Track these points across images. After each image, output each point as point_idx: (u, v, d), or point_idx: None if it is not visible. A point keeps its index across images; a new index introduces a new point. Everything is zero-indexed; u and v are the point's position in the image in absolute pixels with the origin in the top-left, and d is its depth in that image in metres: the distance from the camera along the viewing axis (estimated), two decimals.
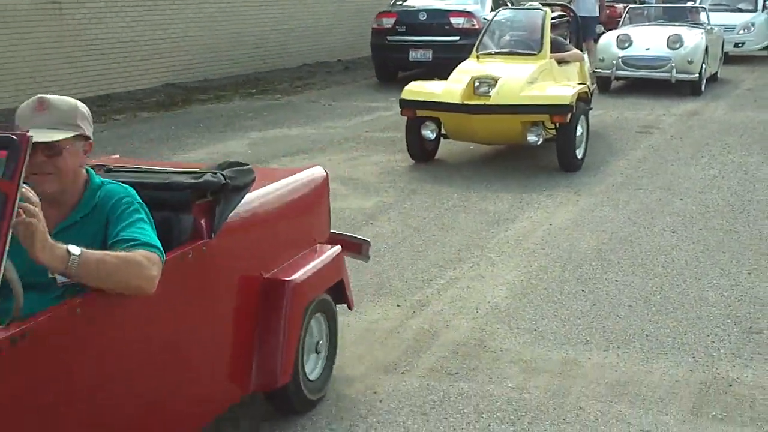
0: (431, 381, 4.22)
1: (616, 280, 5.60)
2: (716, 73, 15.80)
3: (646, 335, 4.75)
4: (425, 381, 4.22)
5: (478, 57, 9.60)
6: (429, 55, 15.02)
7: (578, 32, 12.21)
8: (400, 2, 16.70)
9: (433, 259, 6.02)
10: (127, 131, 11.05)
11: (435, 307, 5.17)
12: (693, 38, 14.31)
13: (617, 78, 14.75)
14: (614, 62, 14.33)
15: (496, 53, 9.57)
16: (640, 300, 5.26)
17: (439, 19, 15.27)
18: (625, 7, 19.74)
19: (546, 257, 6.07)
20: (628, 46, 14.43)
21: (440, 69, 14.71)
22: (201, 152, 9.68)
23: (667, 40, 14.17)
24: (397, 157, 9.28)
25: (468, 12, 15.19)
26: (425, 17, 15.38)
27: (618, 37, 14.69)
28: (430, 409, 3.95)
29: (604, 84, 14.56)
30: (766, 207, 7.32)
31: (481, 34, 10.05)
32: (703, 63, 14.16)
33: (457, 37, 14.81)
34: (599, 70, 14.38)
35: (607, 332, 4.80)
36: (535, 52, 9.31)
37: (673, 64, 13.86)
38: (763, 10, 19.68)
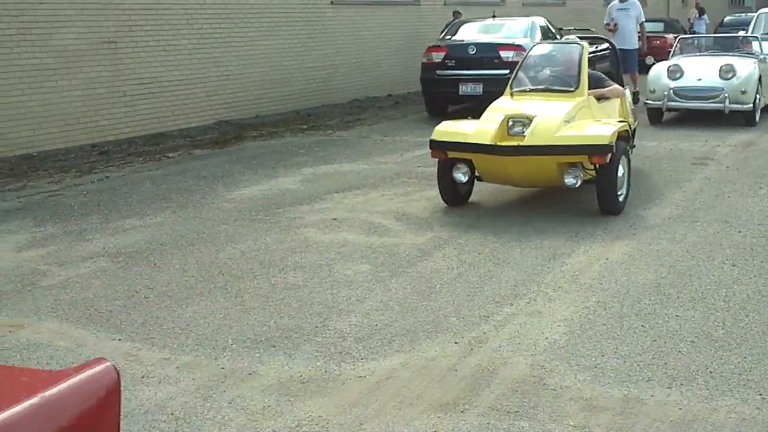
0: (491, 420, 4.17)
1: (677, 315, 5.51)
2: None
3: (710, 372, 4.66)
4: (485, 420, 4.17)
5: (512, 94, 9.07)
6: (479, 89, 15.01)
7: (618, 65, 11.91)
8: (449, 36, 16.76)
9: (490, 295, 5.98)
10: (180, 169, 11.17)
11: (493, 344, 5.12)
12: (746, 68, 13.93)
13: (669, 109, 14.36)
14: (665, 93, 13.96)
15: (531, 90, 9.03)
16: (702, 335, 5.17)
17: (488, 53, 15.28)
18: (676, 38, 19.63)
19: (604, 292, 5.99)
20: (680, 77, 14.08)
21: (491, 103, 14.78)
22: (255, 189, 9.75)
23: (719, 70, 13.78)
24: None
25: (517, 45, 15.19)
26: (475, 51, 15.40)
27: (669, 68, 14.35)
28: None
29: (655, 116, 14.37)
30: None
31: (515, 70, 9.50)
32: (756, 93, 13.79)
33: (507, 71, 14.69)
34: (650, 102, 14.16)
35: (669, 369, 4.71)
36: (572, 89, 8.78)
37: (726, 95, 13.48)
38: None
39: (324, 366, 4.86)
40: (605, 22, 17.20)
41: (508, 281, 6.28)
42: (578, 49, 9.24)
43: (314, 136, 13.99)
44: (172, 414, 4.32)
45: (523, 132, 7.97)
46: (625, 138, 8.59)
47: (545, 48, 10.31)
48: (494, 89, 14.69)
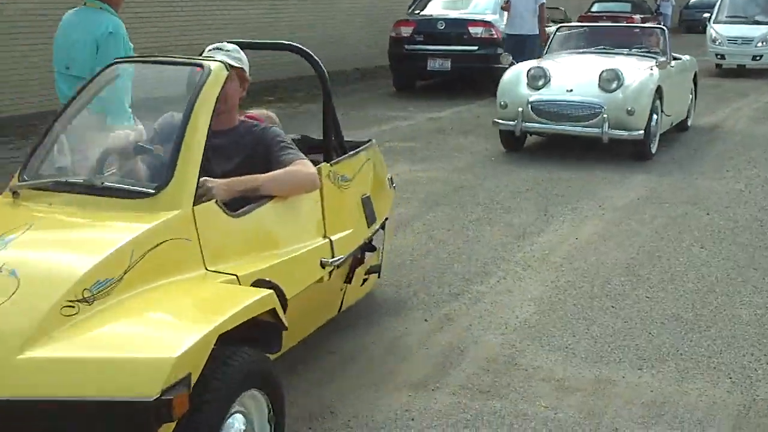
0: (463, 399, 4.12)
1: (647, 297, 5.50)
2: (686, 120, 11.57)
3: (681, 354, 4.65)
4: (456, 399, 4.12)
5: (15, 195, 3.68)
6: (447, 64, 14.96)
7: (330, 107, 4.81)
8: (418, 11, 16.66)
9: (459, 273, 5.92)
10: None
11: (463, 322, 5.08)
12: (637, 74, 9.65)
13: (525, 132, 9.97)
14: (520, 110, 9.59)
15: (55, 188, 3.65)
16: (672, 317, 5.16)
17: (457, 29, 15.20)
18: (643, 18, 19.56)
19: (574, 272, 5.96)
20: (543, 85, 9.71)
21: (458, 79, 14.64)
22: None
23: (599, 77, 9.49)
24: (417, 167, 9.19)
25: (487, 22, 15.12)
26: (444, 26, 15.31)
27: (529, 71, 9.86)
28: (463, 428, 3.86)
29: (510, 140, 10.10)
30: None
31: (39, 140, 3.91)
32: (652, 112, 9.56)
33: (476, 47, 14.77)
34: (500, 121, 9.86)
35: (640, 350, 4.70)
36: (152, 190, 3.49)
37: (605, 115, 9.27)
38: None
39: None
40: (503, 1, 14.31)
41: (478, 259, 6.23)
42: (195, 79, 3.80)
43: (281, 108, 13.83)
44: None
45: None
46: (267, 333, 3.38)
47: (130, 69, 4.45)
48: (463, 65, 14.78)
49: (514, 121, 9.64)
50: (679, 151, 10.30)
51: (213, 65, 3.83)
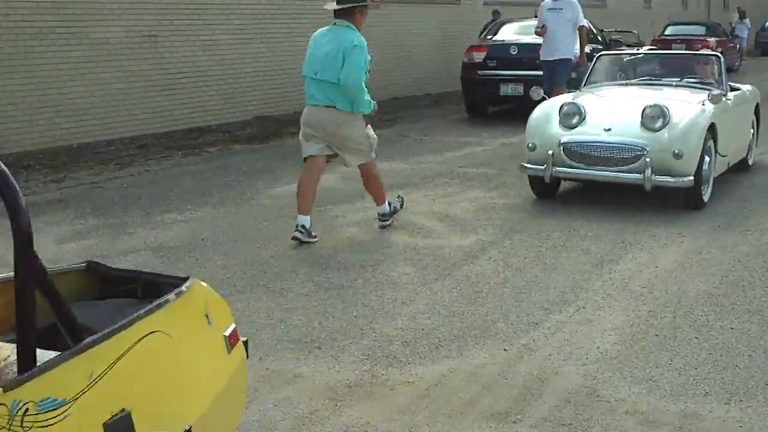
0: None
1: (732, 328, 5.36)
2: (746, 158, 10.31)
3: None
4: (538, 431, 4.05)
5: None
6: (520, 89, 14.90)
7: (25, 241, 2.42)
8: (490, 36, 16.65)
9: (538, 301, 5.85)
10: (221, 164, 11.12)
11: (543, 352, 5.00)
12: (686, 110, 8.37)
13: (557, 177, 8.70)
14: (551, 153, 8.36)
15: None
16: (760, 349, 5.01)
17: (530, 54, 15.10)
18: (718, 41, 19.20)
19: (655, 301, 5.84)
20: (578, 123, 8.48)
21: (531, 104, 14.55)
22: (295, 186, 9.64)
23: (642, 113, 8.24)
24: (493, 194, 9.13)
25: None
26: (516, 51, 15.27)
27: (562, 108, 8.63)
28: None
29: (541, 186, 8.80)
30: None
31: None
32: (705, 154, 8.30)
33: None
34: (528, 166, 8.64)
35: (726, 384, 4.57)
36: None
37: (648, 159, 8.02)
38: None
39: (371, 370, 4.76)
40: (537, 25, 13.30)
41: (556, 287, 6.15)
42: None
43: None
44: None
45: None
46: None
47: None
48: None
49: (542, 165, 8.42)
50: (761, 177, 10.07)
51: None
